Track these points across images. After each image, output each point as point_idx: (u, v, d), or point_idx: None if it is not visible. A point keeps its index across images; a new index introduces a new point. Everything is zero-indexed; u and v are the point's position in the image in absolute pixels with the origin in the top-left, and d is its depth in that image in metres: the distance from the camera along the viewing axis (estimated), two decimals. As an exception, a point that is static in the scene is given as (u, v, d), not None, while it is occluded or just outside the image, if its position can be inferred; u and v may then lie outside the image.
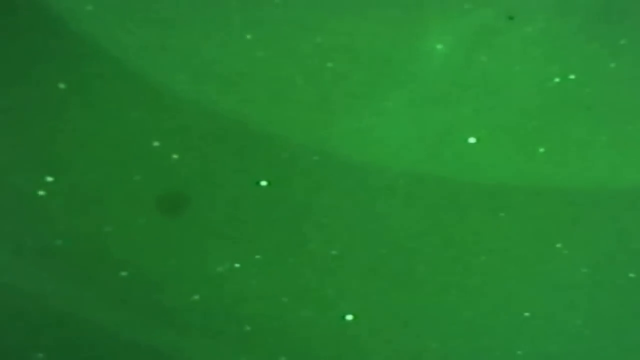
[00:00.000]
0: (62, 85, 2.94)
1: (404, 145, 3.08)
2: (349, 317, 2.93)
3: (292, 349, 2.90)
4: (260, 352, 2.88)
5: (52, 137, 2.96)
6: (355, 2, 3.21)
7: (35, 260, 2.87)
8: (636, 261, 3.03)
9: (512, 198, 3.08)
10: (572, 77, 3.15)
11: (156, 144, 2.98)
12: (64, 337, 2.83)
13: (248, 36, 3.03)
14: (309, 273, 2.96)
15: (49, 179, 2.92)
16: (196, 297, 2.89)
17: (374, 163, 3.06)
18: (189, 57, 3.03)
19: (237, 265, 2.93)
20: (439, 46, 3.10)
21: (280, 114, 3.05)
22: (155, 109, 3.00)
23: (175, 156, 2.99)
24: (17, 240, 2.88)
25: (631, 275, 3.02)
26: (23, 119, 2.96)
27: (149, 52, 3.01)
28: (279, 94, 3.06)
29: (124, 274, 2.88)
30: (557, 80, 3.14)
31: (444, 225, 3.04)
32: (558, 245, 3.04)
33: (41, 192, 2.91)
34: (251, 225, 2.98)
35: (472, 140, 3.09)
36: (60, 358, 2.80)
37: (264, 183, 2.99)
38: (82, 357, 2.84)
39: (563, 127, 3.15)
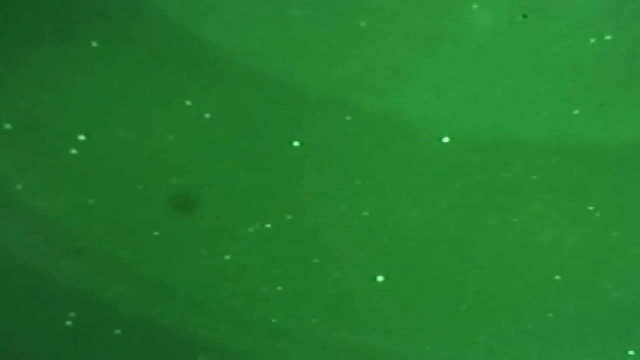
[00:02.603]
0: (94, 44, 2.92)
1: (437, 105, 3.05)
2: (380, 278, 2.93)
3: (323, 309, 2.91)
4: (292, 312, 2.90)
5: (85, 96, 2.94)
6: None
7: (68, 219, 2.88)
8: (669, 226, 3.03)
9: (545, 160, 3.05)
10: (608, 37, 3.11)
11: (188, 103, 2.96)
12: (94, 297, 2.85)
13: (282, -6, 3.00)
14: (340, 234, 2.96)
15: (82, 137, 2.92)
16: (227, 257, 2.90)
17: (407, 123, 3.04)
18: (221, 15, 2.99)
19: (268, 225, 2.93)
20: (475, 6, 3.05)
21: (313, 73, 3.02)
22: (187, 68, 2.98)
23: (207, 115, 2.97)
24: (50, 198, 2.89)
25: (664, 239, 3.02)
26: (56, 77, 2.94)
27: (181, 11, 2.97)
28: (312, 53, 3.03)
29: (156, 233, 2.88)
30: (592, 40, 3.10)
31: (476, 187, 3.02)
32: (590, 208, 3.03)
33: (73, 151, 2.91)
34: (283, 185, 2.97)
35: (505, 100, 3.07)
36: (91, 320, 2.82)
37: (296, 143, 2.98)
38: (112, 315, 2.86)
39: (598, 88, 3.11)
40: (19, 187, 2.87)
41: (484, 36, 3.06)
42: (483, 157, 3.04)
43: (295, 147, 2.98)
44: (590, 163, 3.06)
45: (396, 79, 3.06)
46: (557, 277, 2.98)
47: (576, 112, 3.06)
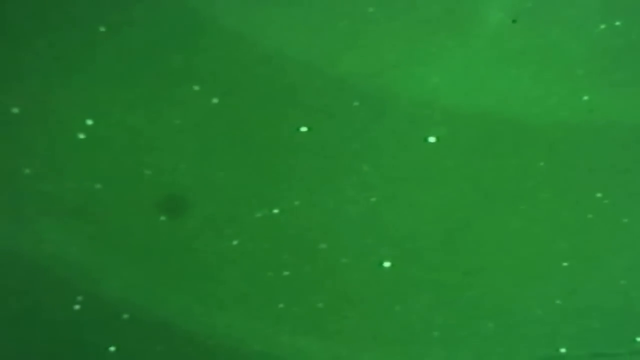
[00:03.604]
0: (102, 29, 2.92)
1: (445, 92, 3.04)
2: (387, 264, 2.93)
3: (329, 294, 2.91)
4: (298, 298, 2.90)
5: (93, 80, 2.95)
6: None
7: (76, 203, 2.89)
8: (678, 213, 3.02)
9: (553, 146, 3.05)
10: (617, 23, 3.10)
11: (196, 88, 2.96)
12: (101, 281, 2.86)
13: (289, -21, 3.00)
14: (347, 220, 2.96)
15: (89, 122, 2.92)
16: (235, 242, 2.90)
17: (415, 108, 3.03)
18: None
19: (275, 211, 2.93)
20: (484, -9, 3.05)
21: (321, 59, 3.02)
22: (195, 53, 2.98)
23: (215, 100, 2.97)
24: (58, 183, 2.89)
25: (673, 227, 3.01)
26: (63, 62, 2.95)
27: (189, -4, 2.98)
28: (320, 39, 3.03)
29: (162, 218, 2.89)
30: (602, 27, 3.08)
31: (484, 174, 3.02)
32: (598, 195, 3.02)
33: (81, 135, 2.91)
34: (290, 171, 2.97)
35: (514, 87, 3.06)
36: (99, 304, 2.83)
37: (304, 129, 2.97)
38: (120, 299, 2.87)
39: (608, 74, 3.10)
40: (26, 171, 2.88)
41: (493, 24, 3.05)
42: (491, 144, 3.04)
43: (303, 132, 2.97)
44: (599, 149, 3.05)
45: (404, 65, 3.05)
46: (565, 264, 2.98)
47: (585, 98, 3.05)
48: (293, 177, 2.96)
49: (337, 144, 2.99)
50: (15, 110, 2.91)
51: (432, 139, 3.00)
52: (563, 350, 2.93)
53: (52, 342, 2.84)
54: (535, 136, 3.04)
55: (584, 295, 2.98)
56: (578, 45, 3.07)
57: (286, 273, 2.90)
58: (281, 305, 2.90)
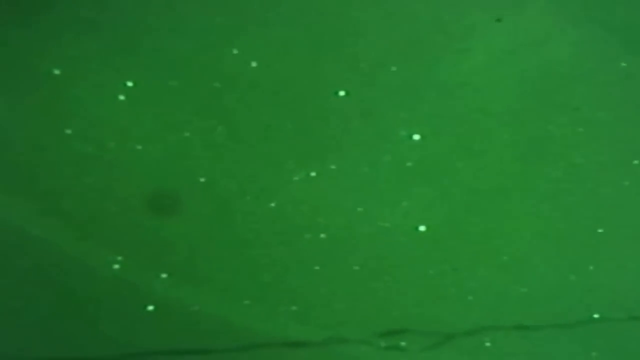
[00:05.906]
0: (143, -9, 2.95)
1: (483, 75, 3.06)
2: (422, 228, 2.95)
3: (365, 257, 2.93)
4: (334, 261, 2.92)
5: (133, 43, 2.97)
6: None
7: (117, 163, 2.91)
8: None
9: (593, 114, 3.05)
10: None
11: (235, 51, 2.98)
12: (140, 241, 2.88)
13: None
14: (384, 184, 2.97)
15: (129, 84, 2.94)
16: (272, 204, 2.92)
17: (452, 76, 3.05)
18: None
19: (313, 174, 2.95)
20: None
21: (358, 24, 3.04)
22: (235, 16, 2.99)
23: (254, 64, 2.99)
24: (98, 144, 2.92)
25: None
26: (104, 25, 2.97)
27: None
28: (356, 6, 3.05)
29: (202, 180, 2.92)
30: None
31: (522, 139, 3.03)
32: (635, 162, 3.02)
33: (122, 97, 2.94)
34: (328, 134, 2.99)
35: (554, 55, 3.07)
36: (138, 264, 2.86)
37: (342, 93, 2.99)
38: (158, 259, 2.89)
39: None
40: (68, 131, 2.91)
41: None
42: (530, 108, 3.05)
43: (341, 97, 2.99)
44: (637, 116, 3.05)
45: (443, 32, 3.06)
46: (600, 230, 2.98)
47: (624, 64, 3.05)
48: (331, 141, 2.98)
49: (374, 109, 3.00)
50: (57, 72, 2.93)
51: (470, 106, 3.01)
52: (596, 315, 2.94)
53: (92, 301, 2.87)
54: (574, 102, 3.05)
55: (617, 261, 2.99)
56: (617, 11, 3.07)
57: (323, 236, 2.92)
58: (317, 268, 2.92)
